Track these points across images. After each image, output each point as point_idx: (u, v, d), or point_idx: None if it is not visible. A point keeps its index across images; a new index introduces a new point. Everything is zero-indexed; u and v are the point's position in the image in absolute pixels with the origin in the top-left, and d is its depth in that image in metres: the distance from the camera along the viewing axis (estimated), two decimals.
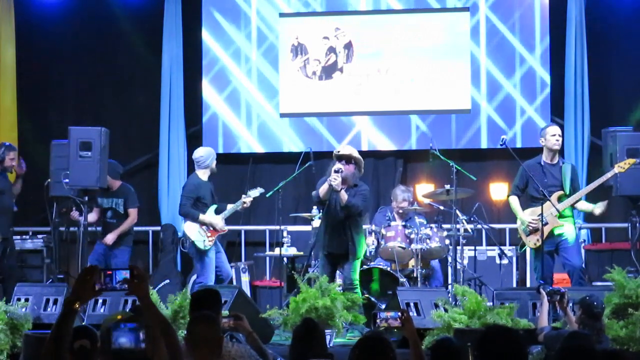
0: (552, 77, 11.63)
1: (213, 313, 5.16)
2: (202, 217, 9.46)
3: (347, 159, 8.88)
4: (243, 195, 9.61)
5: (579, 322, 6.48)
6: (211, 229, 9.48)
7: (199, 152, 9.74)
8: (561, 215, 8.98)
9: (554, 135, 9.14)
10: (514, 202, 9.20)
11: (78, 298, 3.73)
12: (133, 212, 10.12)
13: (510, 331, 4.11)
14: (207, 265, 9.46)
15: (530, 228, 8.96)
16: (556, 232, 8.94)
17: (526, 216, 9.03)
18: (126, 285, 3.78)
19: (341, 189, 8.74)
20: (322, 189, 8.84)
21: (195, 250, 9.48)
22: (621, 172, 9.01)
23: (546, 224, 8.90)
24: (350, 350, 4.35)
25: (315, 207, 10.16)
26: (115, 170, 10.12)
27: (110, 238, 9.97)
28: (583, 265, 9.35)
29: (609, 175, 9.03)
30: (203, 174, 9.61)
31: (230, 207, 9.64)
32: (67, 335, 3.75)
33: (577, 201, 9.04)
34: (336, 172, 8.73)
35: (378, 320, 4.74)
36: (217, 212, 9.59)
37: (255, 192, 9.67)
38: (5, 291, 9.33)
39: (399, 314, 4.71)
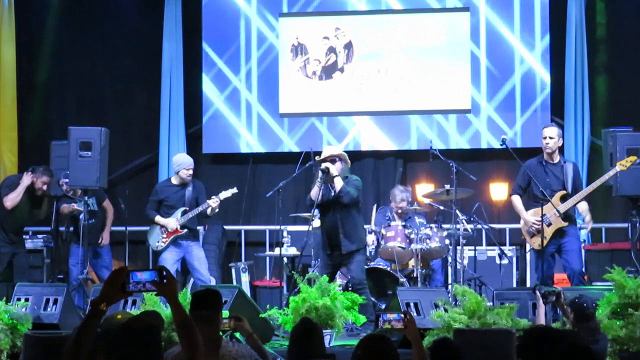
0: (552, 77, 11.63)
1: (213, 313, 5.17)
2: (157, 218, 9.80)
3: (330, 160, 8.96)
4: (213, 197, 9.67)
5: (572, 324, 6.47)
6: (169, 231, 9.71)
7: (174, 158, 10.20)
8: (565, 216, 8.97)
9: (545, 137, 9.13)
10: (517, 201, 9.20)
11: (104, 299, 3.69)
12: (109, 205, 10.35)
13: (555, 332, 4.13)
14: None
15: (534, 229, 8.96)
16: (559, 233, 8.96)
17: (529, 217, 9.03)
18: (144, 287, 3.74)
19: (336, 176, 8.84)
20: (313, 191, 8.95)
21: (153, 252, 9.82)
22: (623, 170, 9.02)
23: (549, 224, 8.91)
24: (353, 351, 4.36)
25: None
26: None
27: (106, 237, 10.22)
28: (583, 269, 9.33)
29: (610, 173, 9.04)
30: (174, 179, 9.90)
31: (195, 209, 9.74)
32: (89, 336, 3.71)
33: (580, 201, 9.05)
34: (323, 171, 8.84)
35: (381, 322, 4.74)
36: (184, 214, 9.76)
37: (227, 193, 9.74)
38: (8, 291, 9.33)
39: (402, 315, 4.71)
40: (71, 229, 10.26)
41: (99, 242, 10.21)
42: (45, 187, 9.91)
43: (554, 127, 9.38)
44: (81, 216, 9.98)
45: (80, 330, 3.69)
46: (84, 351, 3.67)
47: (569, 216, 9.04)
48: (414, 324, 4.72)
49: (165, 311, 7.81)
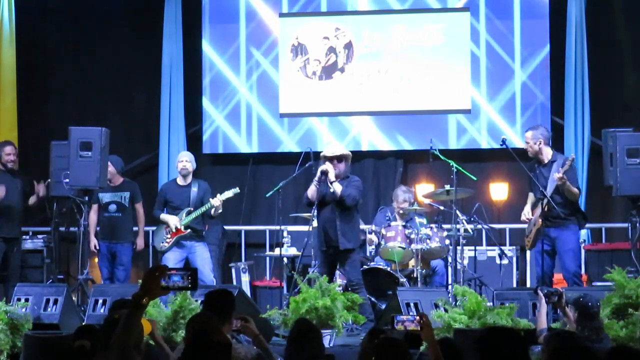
0: (552, 77, 11.62)
1: (222, 313, 5.19)
2: (162, 216, 9.81)
3: (337, 158, 8.94)
4: (218, 194, 9.66)
5: (576, 323, 6.47)
6: (172, 231, 9.71)
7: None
8: (554, 217, 8.93)
9: (527, 143, 9.16)
10: (529, 198, 9.29)
11: (146, 293, 3.73)
12: (141, 208, 10.34)
13: (512, 331, 4.12)
14: None
15: (524, 219, 9.12)
16: (551, 232, 8.94)
17: (526, 209, 9.16)
18: (179, 286, 3.80)
19: (334, 181, 8.82)
20: (310, 190, 8.94)
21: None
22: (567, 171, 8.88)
23: (535, 224, 8.96)
24: (359, 351, 4.34)
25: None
26: (120, 164, 10.23)
27: (140, 243, 10.30)
28: (578, 270, 9.20)
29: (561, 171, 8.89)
30: (179, 179, 9.93)
31: (198, 210, 9.73)
32: (136, 327, 3.77)
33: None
34: (323, 172, 8.81)
35: (395, 323, 4.74)
36: (188, 214, 9.76)
37: (229, 193, 9.71)
38: (6, 291, 9.33)
39: (417, 317, 4.71)
40: (98, 228, 10.26)
41: (134, 248, 10.23)
42: (11, 158, 10.01)
43: (529, 131, 9.24)
44: (112, 207, 10.09)
45: (126, 324, 3.74)
46: (130, 343, 3.73)
47: (556, 216, 8.94)
48: (429, 326, 4.70)
49: (166, 311, 7.83)
